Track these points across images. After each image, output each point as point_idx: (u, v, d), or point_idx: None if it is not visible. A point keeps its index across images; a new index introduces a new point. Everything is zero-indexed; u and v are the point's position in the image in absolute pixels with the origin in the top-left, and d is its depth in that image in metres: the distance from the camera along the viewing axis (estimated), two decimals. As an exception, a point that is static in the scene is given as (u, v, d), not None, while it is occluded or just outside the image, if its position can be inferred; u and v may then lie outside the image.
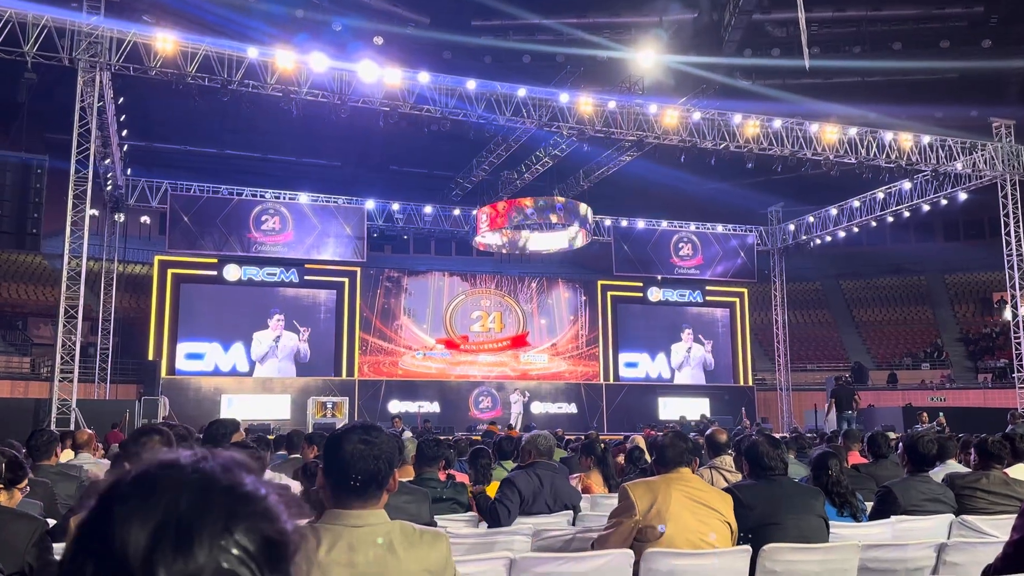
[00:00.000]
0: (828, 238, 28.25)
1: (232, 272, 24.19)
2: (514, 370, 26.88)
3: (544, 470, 5.01)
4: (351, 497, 2.19)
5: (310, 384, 24.11)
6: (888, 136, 22.31)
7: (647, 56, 27.23)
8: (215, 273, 24.08)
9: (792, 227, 29.24)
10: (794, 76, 34.16)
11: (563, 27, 35.04)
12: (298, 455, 7.00)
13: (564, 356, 27.55)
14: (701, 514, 3.58)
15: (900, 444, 5.59)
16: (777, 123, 21.79)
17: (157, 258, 24.18)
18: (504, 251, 26.70)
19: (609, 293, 28.26)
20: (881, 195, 25.38)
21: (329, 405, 21.59)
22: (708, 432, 6.18)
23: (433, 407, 25.38)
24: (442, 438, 7.21)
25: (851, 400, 18.71)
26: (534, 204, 24.06)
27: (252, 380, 23.95)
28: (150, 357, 23.05)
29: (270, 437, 10.74)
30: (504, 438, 7.45)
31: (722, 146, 21.63)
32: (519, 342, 27.03)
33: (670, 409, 26.99)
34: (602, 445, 6.66)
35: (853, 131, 22.22)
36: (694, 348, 28.75)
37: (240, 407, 22.75)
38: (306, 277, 24.92)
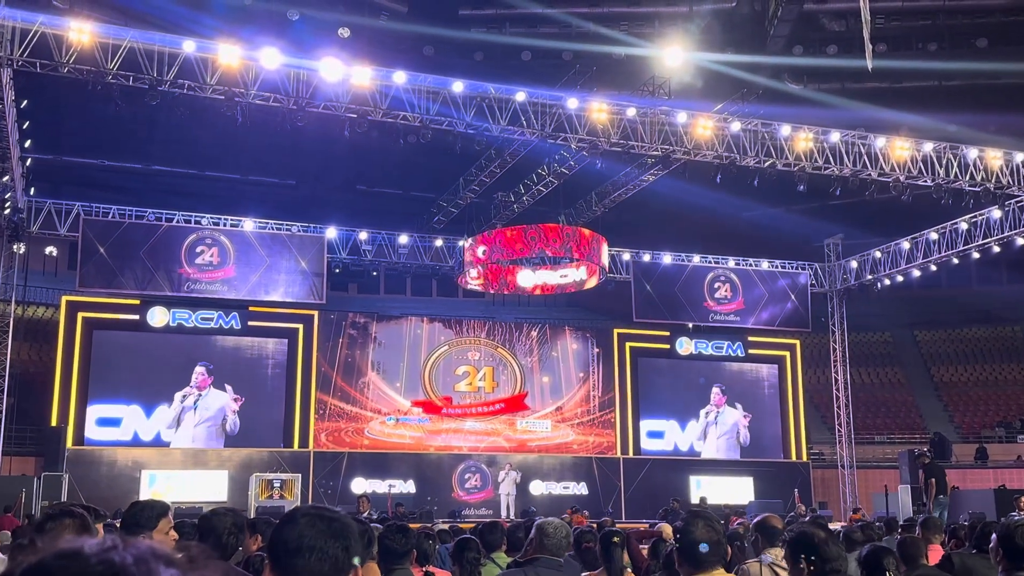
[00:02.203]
0: (899, 278, 28.31)
1: (158, 316, 24.14)
2: (509, 440, 26.72)
3: (546, 568, 4.96)
4: None
5: (253, 457, 23.92)
6: (972, 153, 22.49)
7: (674, 54, 27.58)
8: (137, 317, 24.02)
9: (855, 264, 29.35)
10: (855, 79, 34.61)
11: (571, 18, 35.53)
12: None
13: (572, 423, 27.42)
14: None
15: (993, 535, 5.54)
16: (835, 136, 21.96)
17: (65, 299, 24.11)
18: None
19: (628, 344, 28.24)
20: (964, 225, 25.50)
21: (276, 484, 21.35)
22: (758, 519, 6.14)
23: (407, 486, 25.19)
24: (415, 526, 7.12)
25: (945, 481, 18.76)
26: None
27: (180, 453, 23.79)
28: (53, 423, 22.84)
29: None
30: (488, 524, 7.38)
31: (767, 164, 21.76)
32: (516, 405, 26.90)
33: (705, 490, 26.76)
34: (615, 538, 6.59)
35: (929, 147, 22.39)
36: (726, 412, 28.60)
37: (165, 486, 22.54)
38: (250, 323, 24.87)
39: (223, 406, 24.25)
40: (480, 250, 24.05)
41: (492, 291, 28.21)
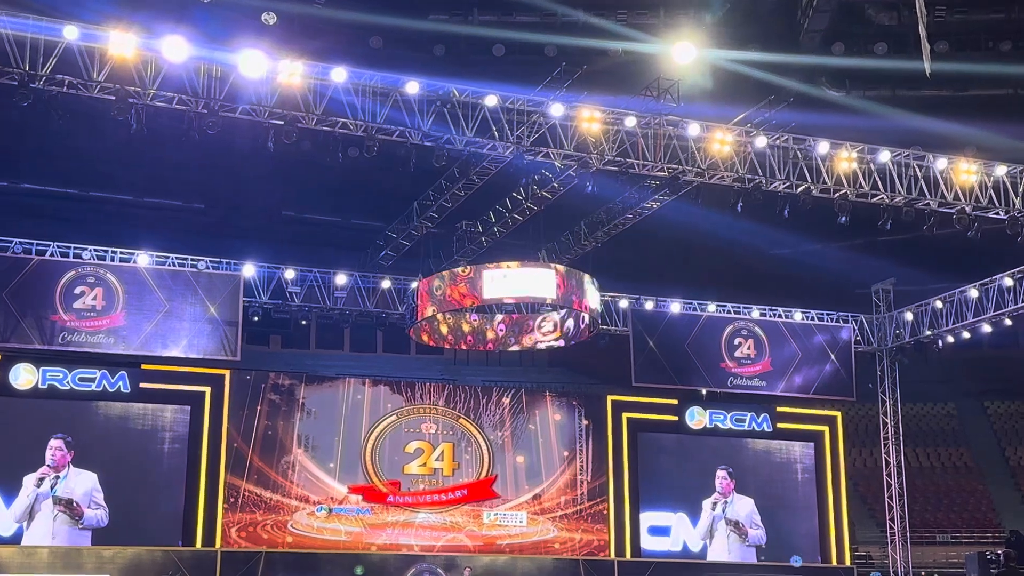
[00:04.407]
0: (965, 335, 28.43)
1: (23, 376, 23.83)
2: (473, 537, 26.50)
3: None
4: None
5: (143, 558, 23.63)
6: (1056, 178, 22.76)
7: (685, 50, 27.71)
8: (-4, 377, 23.77)
9: (910, 316, 29.47)
10: (910, 85, 35.00)
11: (555, 5, 35.77)
12: None
13: (554, 515, 27.24)
14: None
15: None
16: (884, 156, 22.13)
17: (-96, 352, 23.86)
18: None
19: (625, 415, 28.15)
20: (1047, 269, 25.76)
21: (173, 593, 21.18)
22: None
23: (342, 597, 24.96)
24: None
25: None
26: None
27: (48, 553, 23.36)
28: None
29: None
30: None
31: (800, 189, 21.86)
32: (482, 492, 26.74)
33: (722, 603, 26.66)
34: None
35: (1001, 170, 22.60)
36: (736, 502, 28.42)
37: (28, 595, 22.22)
38: (143, 385, 24.64)
39: (88, 490, 23.82)
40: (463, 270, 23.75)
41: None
